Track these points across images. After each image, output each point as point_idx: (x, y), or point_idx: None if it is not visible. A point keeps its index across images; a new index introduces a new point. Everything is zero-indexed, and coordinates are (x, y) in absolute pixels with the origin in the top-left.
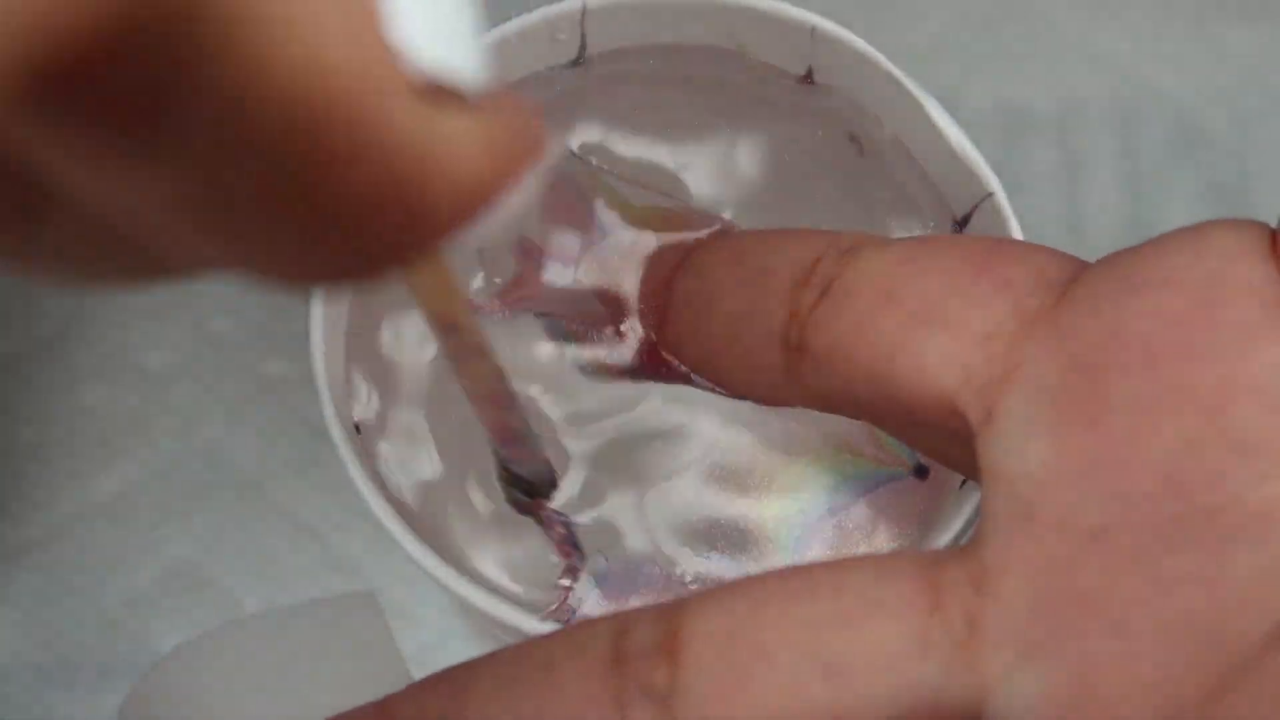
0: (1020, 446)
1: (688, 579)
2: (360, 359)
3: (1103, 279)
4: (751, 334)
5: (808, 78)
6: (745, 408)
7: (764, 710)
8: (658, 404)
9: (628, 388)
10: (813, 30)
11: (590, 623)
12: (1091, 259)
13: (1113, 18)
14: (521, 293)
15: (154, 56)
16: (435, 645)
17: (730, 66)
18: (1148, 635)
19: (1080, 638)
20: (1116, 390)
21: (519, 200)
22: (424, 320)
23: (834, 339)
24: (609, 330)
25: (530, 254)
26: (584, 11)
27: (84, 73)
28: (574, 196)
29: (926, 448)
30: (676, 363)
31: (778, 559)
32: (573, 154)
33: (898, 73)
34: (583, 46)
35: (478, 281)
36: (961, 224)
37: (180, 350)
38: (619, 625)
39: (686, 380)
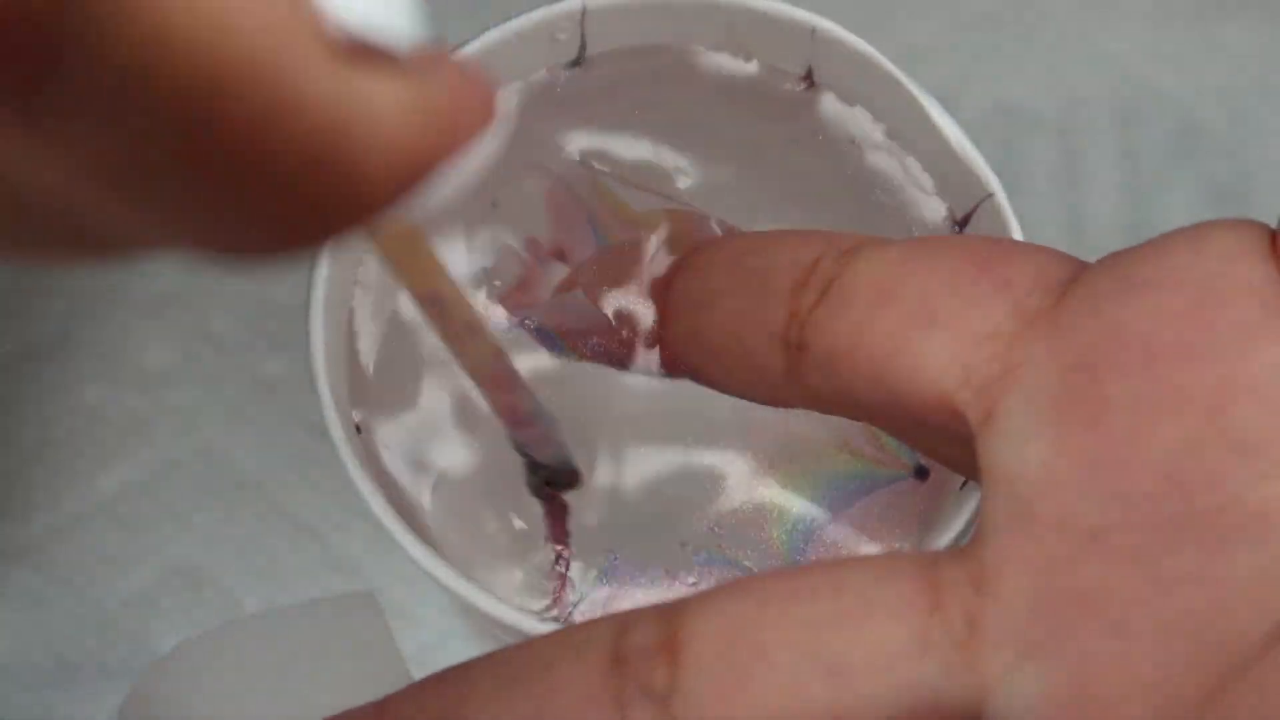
0: (1020, 447)
1: (689, 578)
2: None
3: (1103, 279)
4: (751, 335)
5: (808, 78)
6: (745, 407)
7: (764, 710)
8: (658, 403)
9: (622, 388)
10: (813, 30)
11: (590, 623)
12: (1091, 259)
13: (1113, 18)
14: (524, 298)
15: (36, 24)
16: (435, 645)
17: (729, 67)
18: (1147, 635)
19: (1080, 638)
20: (1116, 390)
21: (469, 168)
22: (410, 298)
23: (834, 339)
24: (609, 334)
25: (532, 257)
26: (584, 11)
27: None
28: (574, 199)
29: (927, 448)
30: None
31: (778, 559)
32: (574, 156)
33: (898, 73)
34: (583, 47)
35: (482, 294)
36: (961, 224)
37: (180, 350)
38: (619, 625)
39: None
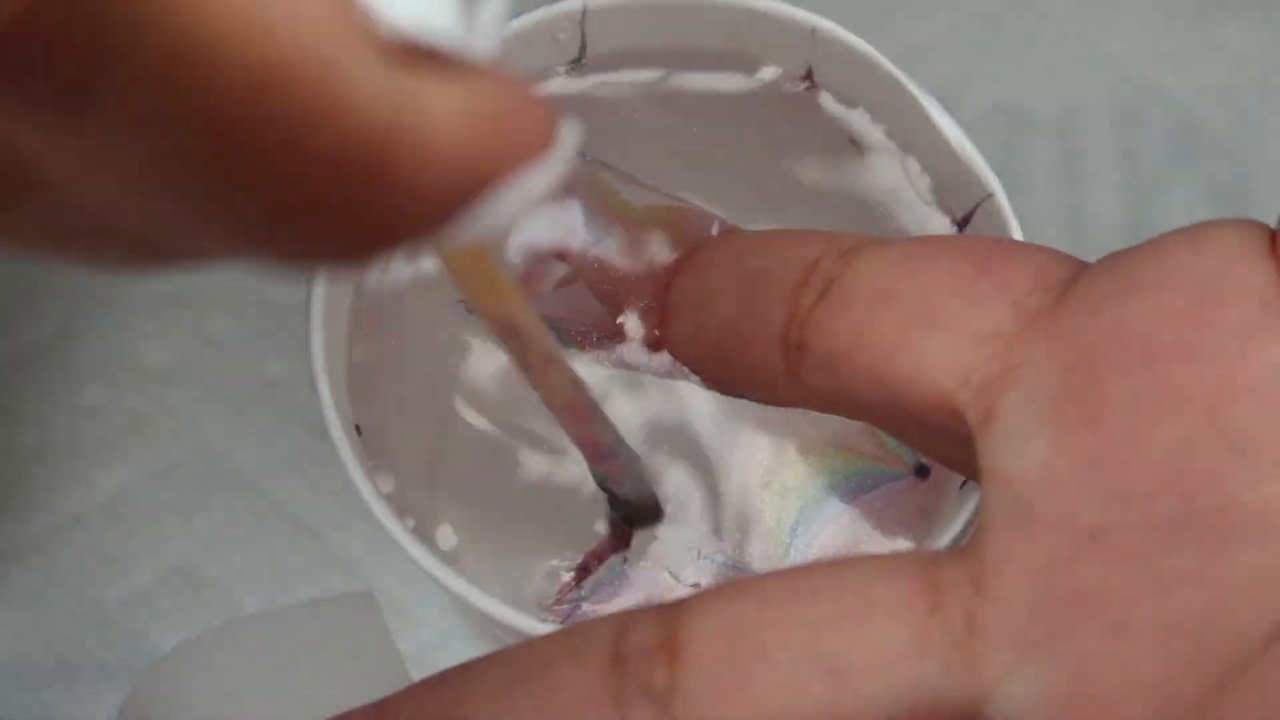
0: (1020, 446)
1: (690, 578)
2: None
3: (1102, 279)
4: (751, 334)
5: (808, 78)
6: (746, 407)
7: (764, 710)
8: (658, 403)
9: (623, 387)
10: (813, 30)
11: (590, 623)
12: (1091, 259)
13: (1113, 18)
14: (525, 293)
15: (89, 22)
16: (435, 645)
17: (730, 66)
18: (1147, 635)
19: (1080, 638)
20: (1116, 390)
21: (530, 192)
22: (486, 327)
23: (834, 339)
24: (610, 330)
25: (534, 255)
26: (584, 12)
27: (19, 41)
28: (575, 197)
29: (927, 448)
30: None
31: (778, 558)
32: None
33: (898, 73)
34: (583, 47)
35: None
36: (962, 224)
37: (180, 350)
38: (619, 625)
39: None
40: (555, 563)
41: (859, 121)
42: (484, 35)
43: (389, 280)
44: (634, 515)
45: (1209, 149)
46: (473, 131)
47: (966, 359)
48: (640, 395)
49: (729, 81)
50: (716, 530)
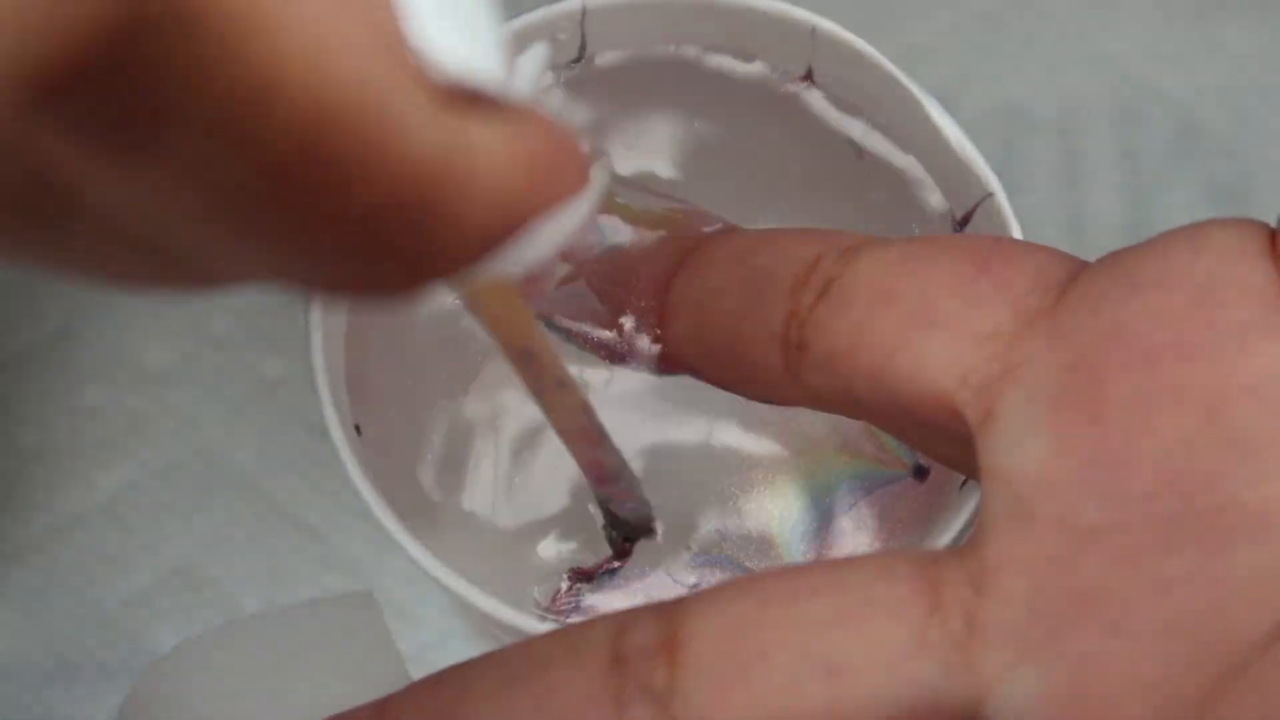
0: (1019, 446)
1: (690, 578)
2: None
3: (1102, 278)
4: (751, 333)
5: (808, 78)
6: (746, 406)
7: (764, 710)
8: (656, 403)
9: (623, 387)
10: (813, 30)
11: (589, 622)
12: (1091, 259)
13: (1113, 18)
14: (526, 292)
15: (154, 63)
16: (435, 645)
17: (730, 66)
18: (1147, 635)
19: (1079, 637)
20: (1116, 390)
21: (563, 229)
22: (501, 351)
23: (833, 339)
24: (611, 329)
25: None
26: (584, 12)
27: (86, 78)
28: None
29: (927, 448)
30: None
31: (778, 558)
32: None
33: (898, 73)
34: (583, 46)
35: None
36: (962, 224)
37: (180, 350)
38: (618, 625)
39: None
40: (553, 552)
41: (859, 121)
42: (524, 79)
43: None
44: (630, 534)
45: (1209, 149)
46: (516, 171)
47: (966, 359)
48: (640, 394)
49: (729, 81)
50: (716, 530)
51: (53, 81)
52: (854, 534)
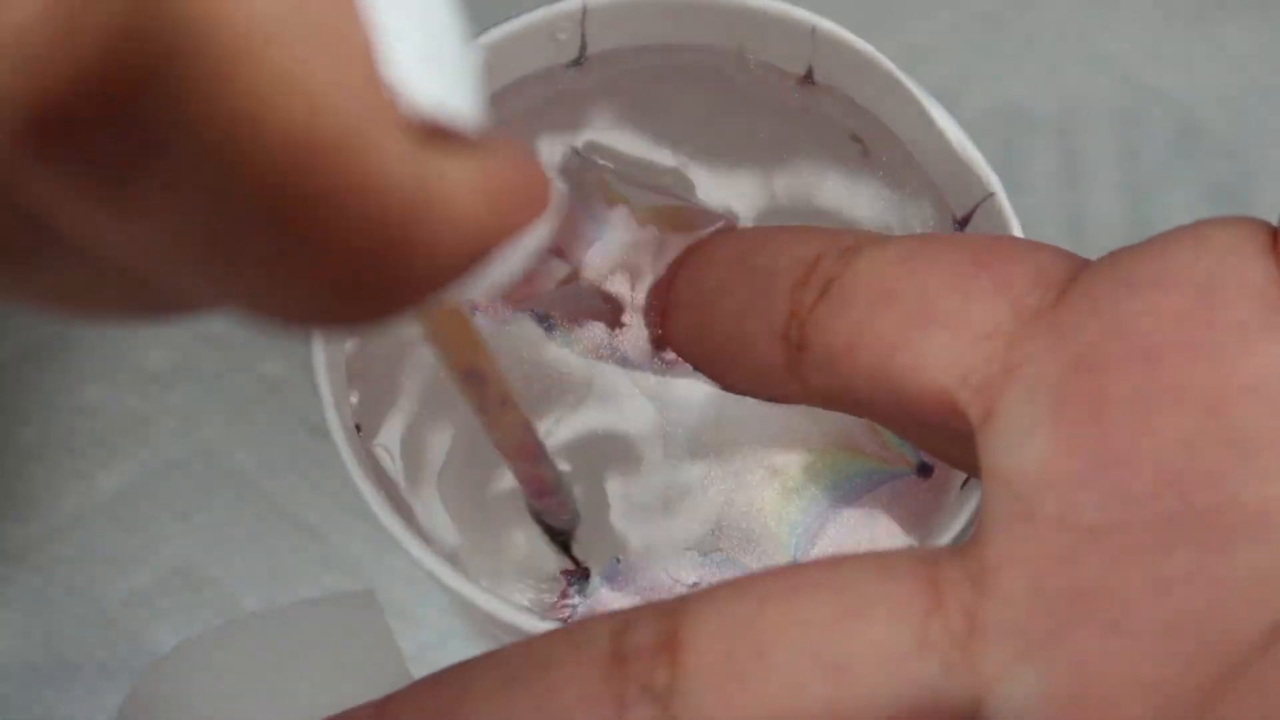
0: (1020, 445)
1: (689, 578)
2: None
3: (1103, 277)
4: (753, 332)
5: (808, 78)
6: (746, 405)
7: (764, 709)
8: (657, 401)
9: (624, 385)
10: (813, 30)
11: (590, 621)
12: (1091, 259)
13: (1113, 18)
14: (526, 291)
15: (142, 104)
16: (435, 645)
17: (730, 66)
18: (1147, 634)
19: (1079, 636)
20: (1116, 389)
21: (523, 254)
22: (445, 371)
23: (834, 337)
24: (612, 328)
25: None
26: (584, 11)
27: (77, 119)
28: (577, 195)
29: (929, 445)
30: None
31: (779, 557)
32: (576, 153)
33: (898, 73)
34: (583, 46)
35: None
36: (962, 224)
37: (180, 350)
38: (619, 624)
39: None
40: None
41: (859, 121)
42: (481, 107)
43: None
44: (565, 542)
45: (1209, 149)
46: (485, 202)
47: (966, 357)
48: (640, 395)
49: (729, 81)
50: (716, 530)
51: (45, 122)
52: (855, 533)
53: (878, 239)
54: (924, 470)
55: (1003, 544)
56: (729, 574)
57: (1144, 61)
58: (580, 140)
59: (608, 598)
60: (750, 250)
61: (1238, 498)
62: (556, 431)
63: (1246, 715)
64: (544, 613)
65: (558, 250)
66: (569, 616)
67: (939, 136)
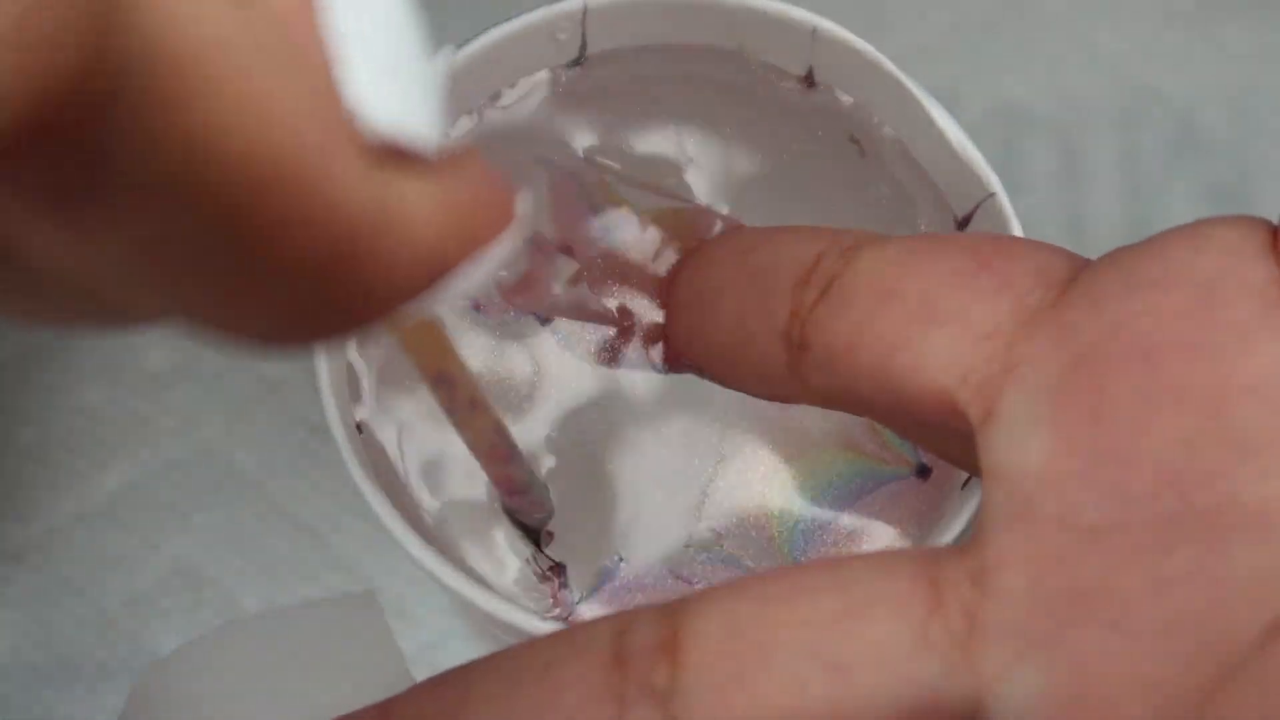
0: (1020, 444)
1: (691, 578)
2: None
3: (1103, 276)
4: (754, 331)
5: (808, 78)
6: (748, 404)
7: (765, 709)
8: (659, 401)
9: (626, 384)
10: (814, 31)
11: (591, 622)
12: (1092, 258)
13: (1113, 18)
14: (527, 291)
15: (102, 126)
16: (435, 645)
17: (730, 66)
18: (1146, 633)
19: (1080, 635)
20: (1116, 388)
21: (488, 266)
22: (418, 375)
23: (835, 337)
24: (613, 327)
25: (538, 252)
26: (585, 11)
27: (37, 143)
28: (578, 196)
29: (929, 445)
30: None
31: (780, 557)
32: (576, 154)
33: (898, 73)
34: (583, 46)
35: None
36: (963, 224)
37: (180, 350)
38: (619, 624)
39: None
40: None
41: (859, 121)
42: (441, 128)
43: None
44: (538, 538)
45: (1209, 149)
46: (445, 221)
47: (967, 357)
48: (640, 394)
49: (730, 80)
50: (716, 529)
51: (4, 146)
52: (855, 532)
53: (878, 239)
54: (923, 472)
55: (1003, 543)
56: (729, 574)
57: (1144, 61)
58: (581, 141)
59: (608, 598)
60: (751, 250)
61: (1238, 497)
62: (557, 431)
63: (1245, 713)
64: (543, 613)
65: (564, 248)
66: (569, 617)
67: (939, 137)
